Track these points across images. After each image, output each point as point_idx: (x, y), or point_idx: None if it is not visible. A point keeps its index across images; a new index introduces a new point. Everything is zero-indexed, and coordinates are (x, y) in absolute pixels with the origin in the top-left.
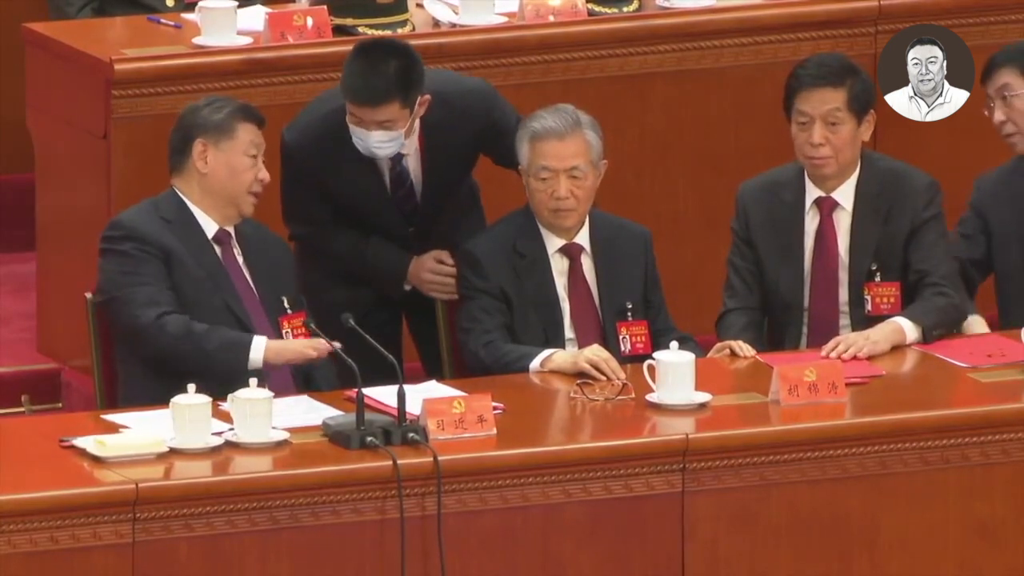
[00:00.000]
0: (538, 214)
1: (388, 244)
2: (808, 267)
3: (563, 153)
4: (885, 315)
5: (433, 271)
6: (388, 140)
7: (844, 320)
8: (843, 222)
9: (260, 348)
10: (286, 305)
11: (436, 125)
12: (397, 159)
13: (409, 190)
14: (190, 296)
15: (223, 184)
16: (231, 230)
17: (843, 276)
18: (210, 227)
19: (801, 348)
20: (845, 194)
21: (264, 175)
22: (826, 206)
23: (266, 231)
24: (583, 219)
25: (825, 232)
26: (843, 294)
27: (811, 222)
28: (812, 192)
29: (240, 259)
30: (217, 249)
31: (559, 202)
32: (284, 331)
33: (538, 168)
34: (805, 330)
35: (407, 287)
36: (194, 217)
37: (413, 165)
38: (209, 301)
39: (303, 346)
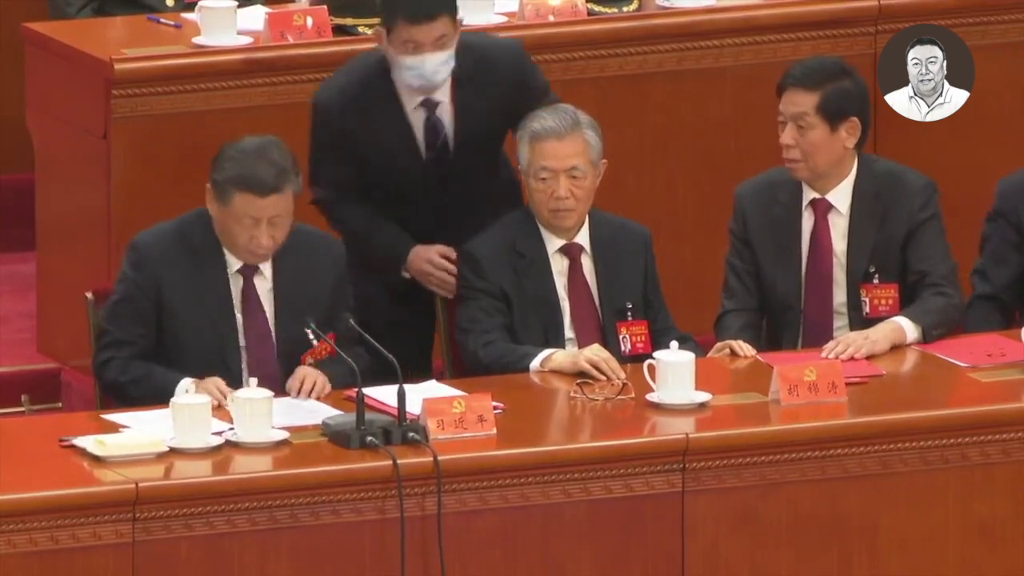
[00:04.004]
0: (538, 214)
1: (398, 228)
2: (804, 268)
3: (562, 153)
4: (883, 317)
5: (433, 263)
6: (443, 61)
7: (840, 321)
8: (839, 224)
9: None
10: (312, 338)
11: (469, 78)
12: (431, 108)
13: (443, 148)
14: (181, 341)
15: (223, 233)
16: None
17: (841, 278)
18: (234, 259)
19: (798, 349)
20: (841, 196)
21: (261, 242)
22: (820, 208)
23: (317, 239)
24: (582, 219)
25: (820, 234)
26: (841, 296)
27: (807, 223)
28: (808, 193)
29: (265, 287)
30: (238, 281)
31: (559, 202)
32: (308, 364)
33: (538, 168)
34: (801, 331)
35: (405, 274)
36: (220, 248)
37: (447, 117)
38: (201, 349)
39: (212, 391)
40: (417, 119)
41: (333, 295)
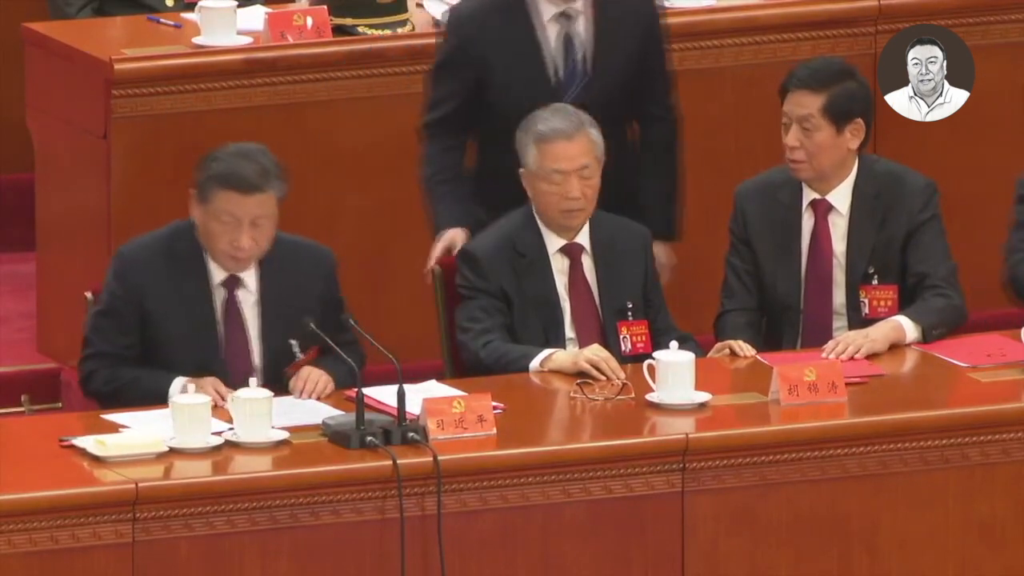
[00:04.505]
0: (546, 215)
1: (456, 202)
2: (804, 269)
3: (573, 153)
4: (882, 318)
5: (435, 253)
6: None
7: (840, 322)
8: (839, 224)
9: (176, 393)
10: (296, 351)
11: (608, 3)
12: (568, 21)
13: (572, 71)
14: (164, 352)
15: (205, 237)
16: (241, 275)
17: (840, 278)
18: (218, 272)
19: (798, 349)
20: (841, 196)
21: (242, 244)
22: (820, 208)
23: (303, 249)
24: (588, 218)
25: (820, 234)
26: (840, 296)
27: (807, 224)
28: (808, 194)
29: (250, 300)
30: (220, 294)
31: (571, 202)
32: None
33: (549, 171)
34: (801, 331)
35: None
36: (205, 258)
37: (582, 37)
38: (182, 360)
39: (210, 392)
40: (552, 32)
41: (322, 304)
